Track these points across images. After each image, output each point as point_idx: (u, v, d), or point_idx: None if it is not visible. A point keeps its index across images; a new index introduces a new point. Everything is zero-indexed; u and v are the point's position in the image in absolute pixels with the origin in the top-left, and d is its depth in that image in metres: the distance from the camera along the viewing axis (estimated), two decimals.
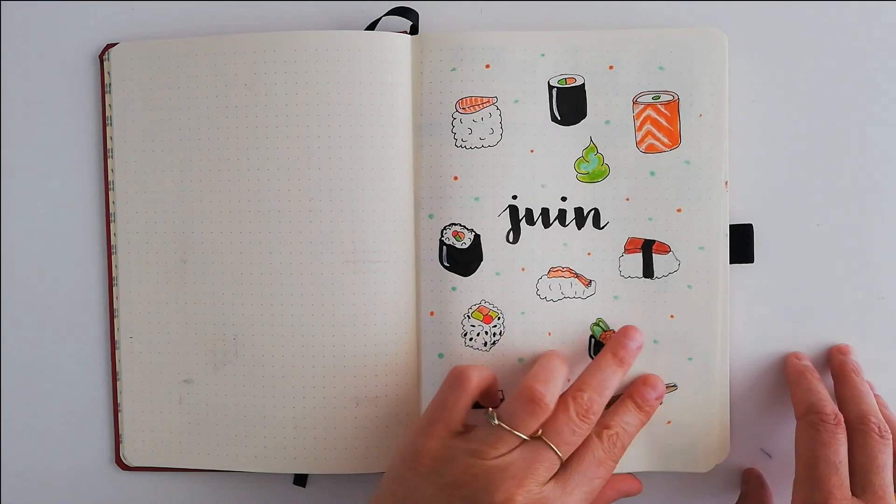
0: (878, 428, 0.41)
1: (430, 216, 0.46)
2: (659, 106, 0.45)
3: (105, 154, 0.47)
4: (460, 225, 0.45)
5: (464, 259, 0.45)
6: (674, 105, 0.45)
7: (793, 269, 0.47)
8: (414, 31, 0.46)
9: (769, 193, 0.47)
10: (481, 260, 0.45)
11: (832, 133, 0.47)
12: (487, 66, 0.45)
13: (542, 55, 0.45)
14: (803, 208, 0.47)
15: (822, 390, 0.43)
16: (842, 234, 0.47)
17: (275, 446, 0.46)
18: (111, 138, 0.47)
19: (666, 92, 0.45)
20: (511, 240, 0.45)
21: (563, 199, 0.45)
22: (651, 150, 0.45)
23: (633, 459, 0.45)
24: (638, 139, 0.45)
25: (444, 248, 0.45)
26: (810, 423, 0.41)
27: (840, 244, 0.47)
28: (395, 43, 0.45)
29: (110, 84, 0.47)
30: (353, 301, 0.45)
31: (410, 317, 0.46)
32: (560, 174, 0.45)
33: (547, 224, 0.45)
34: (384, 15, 0.46)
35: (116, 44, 0.47)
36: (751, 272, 0.47)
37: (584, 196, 0.45)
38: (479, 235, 0.45)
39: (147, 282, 0.47)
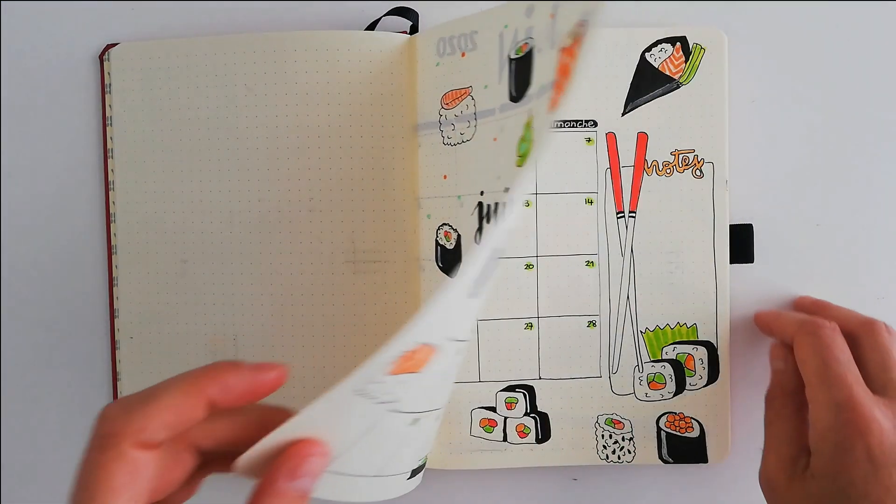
0: (885, 326, 0.40)
1: (428, 216, 0.46)
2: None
3: (105, 154, 0.47)
4: (449, 225, 0.45)
5: (451, 260, 0.45)
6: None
7: (793, 269, 0.47)
8: (414, 30, 0.46)
9: (769, 193, 0.47)
10: (460, 261, 0.44)
11: (832, 133, 0.47)
12: (463, 55, 0.43)
13: (506, 26, 0.39)
14: (803, 208, 0.47)
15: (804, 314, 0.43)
16: (842, 234, 0.47)
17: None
18: (111, 138, 0.47)
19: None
20: (477, 240, 0.43)
21: (506, 189, 0.39)
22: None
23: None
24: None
25: (439, 248, 0.45)
26: (809, 331, 0.40)
27: (840, 244, 0.47)
28: (395, 43, 0.45)
29: (110, 84, 0.47)
30: (353, 301, 0.45)
31: (412, 317, 0.46)
32: (509, 161, 0.39)
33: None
34: (384, 15, 0.46)
35: (116, 44, 0.47)
36: (751, 272, 0.47)
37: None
38: (460, 235, 0.45)
39: (147, 282, 0.47)
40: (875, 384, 0.39)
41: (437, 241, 0.45)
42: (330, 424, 0.27)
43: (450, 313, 0.28)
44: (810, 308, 0.45)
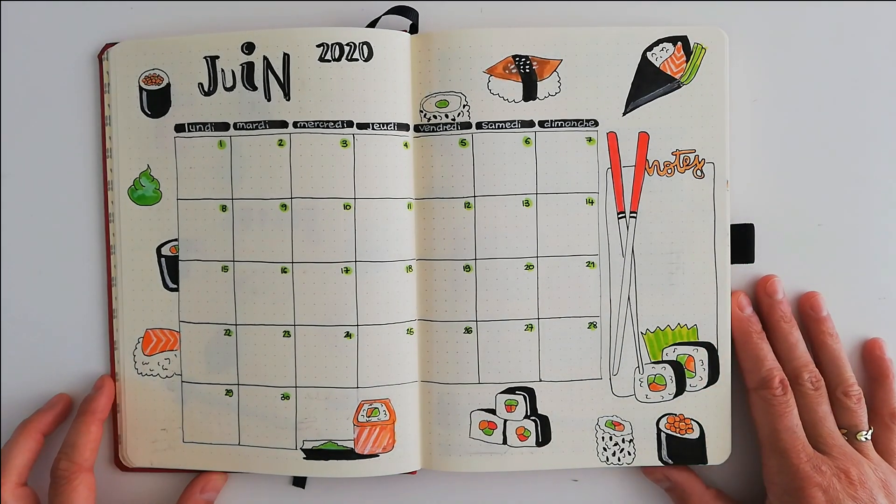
0: (811, 382, 0.44)
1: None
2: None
3: (105, 154, 0.47)
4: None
5: None
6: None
7: (794, 269, 0.47)
8: (414, 29, 0.46)
9: (769, 193, 0.47)
10: None
11: (833, 133, 0.47)
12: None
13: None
14: (804, 208, 0.47)
15: (767, 354, 0.45)
16: (842, 234, 0.47)
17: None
18: (111, 138, 0.47)
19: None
20: None
21: None
22: None
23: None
24: None
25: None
26: (763, 398, 0.44)
27: (840, 244, 0.47)
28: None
29: (109, 84, 0.47)
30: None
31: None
32: None
33: None
34: (384, 14, 0.46)
35: (115, 43, 0.47)
36: (751, 272, 0.47)
37: None
38: None
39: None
40: (810, 437, 0.44)
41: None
42: None
43: None
44: (766, 318, 0.46)
